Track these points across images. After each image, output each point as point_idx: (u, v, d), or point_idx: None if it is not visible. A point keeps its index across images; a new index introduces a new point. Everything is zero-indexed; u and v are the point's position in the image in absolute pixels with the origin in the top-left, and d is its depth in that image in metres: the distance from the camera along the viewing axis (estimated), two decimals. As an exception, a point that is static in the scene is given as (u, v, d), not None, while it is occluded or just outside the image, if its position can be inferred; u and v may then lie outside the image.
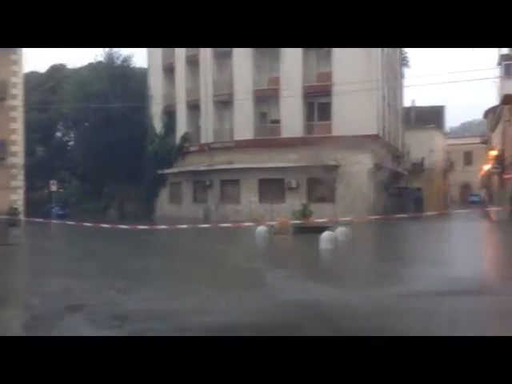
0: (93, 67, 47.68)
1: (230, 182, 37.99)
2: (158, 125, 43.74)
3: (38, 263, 14.94)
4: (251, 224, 20.42)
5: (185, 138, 41.44)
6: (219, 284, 10.61)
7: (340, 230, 18.62)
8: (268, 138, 36.84)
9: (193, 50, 39.78)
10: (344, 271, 13.29)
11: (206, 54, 39.25)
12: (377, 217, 26.93)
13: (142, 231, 19.90)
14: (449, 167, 64.00)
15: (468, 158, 70.18)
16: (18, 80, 32.65)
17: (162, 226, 21.18)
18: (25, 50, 32.79)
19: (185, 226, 18.96)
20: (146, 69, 45.82)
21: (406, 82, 52.12)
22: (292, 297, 9.02)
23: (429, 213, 29.17)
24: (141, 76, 45.51)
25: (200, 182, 39.63)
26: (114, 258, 14.87)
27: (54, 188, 37.72)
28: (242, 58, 37.02)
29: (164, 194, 43.35)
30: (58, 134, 55.65)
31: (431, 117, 56.89)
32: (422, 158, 54.53)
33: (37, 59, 49.10)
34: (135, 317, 7.58)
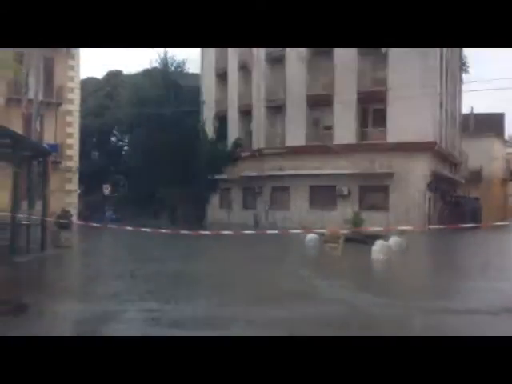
0: (148, 73, 48.39)
1: (281, 188, 37.65)
2: (210, 130, 43.86)
3: (86, 266, 15.03)
4: (300, 231, 19.97)
5: (236, 144, 41.33)
6: (271, 292, 10.29)
7: (393, 239, 17.95)
8: (320, 144, 36.25)
9: (245, 55, 39.74)
10: (397, 283, 12.71)
11: (258, 58, 39.14)
12: (432, 226, 25.96)
13: (192, 236, 19.75)
14: (509, 177, 61.83)
15: (528, 168, 67.45)
16: (75, 85, 33.46)
17: (206, 232, 20.96)
18: (82, 55, 33.67)
19: (231, 232, 18.67)
20: (199, 74, 46.10)
21: (465, 87, 50.46)
22: (344, 307, 8.64)
23: (488, 224, 27.94)
24: (194, 81, 45.82)
25: (250, 188, 39.45)
26: (164, 263, 14.75)
27: (106, 192, 38.35)
28: (295, 62, 36.70)
29: (215, 200, 43.34)
30: (113, 139, 56.72)
31: (490, 124, 54.99)
32: (481, 167, 52.78)
33: (94, 65, 50.39)
34: (186, 324, 7.33)
